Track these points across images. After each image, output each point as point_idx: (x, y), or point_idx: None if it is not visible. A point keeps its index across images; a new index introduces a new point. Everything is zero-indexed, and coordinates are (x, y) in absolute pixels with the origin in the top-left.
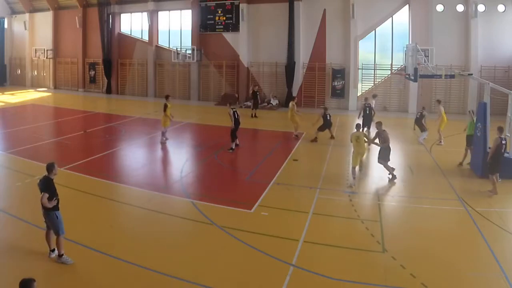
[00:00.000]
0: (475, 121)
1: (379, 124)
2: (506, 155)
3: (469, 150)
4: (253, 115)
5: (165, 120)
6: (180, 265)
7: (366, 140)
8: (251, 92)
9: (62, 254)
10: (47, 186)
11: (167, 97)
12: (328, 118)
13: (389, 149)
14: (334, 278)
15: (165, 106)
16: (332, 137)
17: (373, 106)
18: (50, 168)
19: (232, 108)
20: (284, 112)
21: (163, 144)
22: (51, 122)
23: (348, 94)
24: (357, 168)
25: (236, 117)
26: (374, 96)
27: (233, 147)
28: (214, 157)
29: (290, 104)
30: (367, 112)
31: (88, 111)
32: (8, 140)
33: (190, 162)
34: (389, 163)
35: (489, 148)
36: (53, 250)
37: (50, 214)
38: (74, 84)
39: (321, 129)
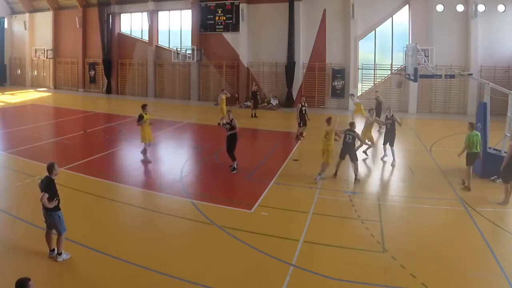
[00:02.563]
0: (478, 135)
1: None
2: (505, 154)
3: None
4: (253, 115)
5: (143, 134)
6: (180, 265)
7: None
8: (252, 91)
9: (61, 253)
10: (47, 186)
11: (143, 106)
12: (304, 112)
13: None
14: (334, 278)
15: (140, 117)
16: (301, 135)
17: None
18: (50, 168)
19: (229, 111)
20: (284, 112)
21: (146, 162)
22: (51, 122)
23: (348, 94)
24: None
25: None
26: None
27: (235, 166)
28: (214, 157)
29: (220, 95)
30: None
31: (88, 111)
32: (8, 140)
33: (190, 162)
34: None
35: (489, 148)
36: (52, 250)
37: (52, 215)
38: (74, 84)
39: (303, 124)
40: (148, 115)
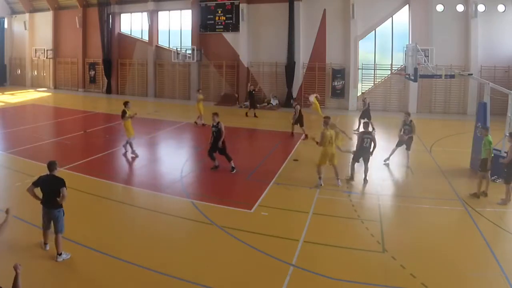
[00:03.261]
0: (489, 140)
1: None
2: (505, 154)
3: (484, 177)
4: (251, 114)
5: (128, 129)
6: (180, 265)
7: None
8: (247, 91)
9: (61, 253)
10: (62, 182)
11: (125, 103)
12: (295, 113)
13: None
14: (334, 278)
15: (123, 113)
16: (306, 136)
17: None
18: (54, 166)
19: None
20: (284, 112)
21: (133, 158)
22: (51, 122)
23: (348, 94)
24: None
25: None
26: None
27: (233, 165)
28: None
29: (197, 95)
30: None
31: (88, 111)
32: (8, 140)
33: (190, 162)
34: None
35: (492, 149)
36: (46, 244)
37: (60, 211)
38: (74, 84)
39: (295, 122)
40: (130, 111)
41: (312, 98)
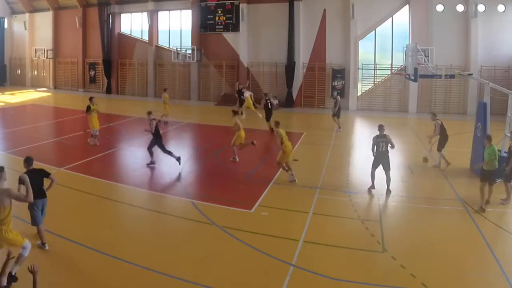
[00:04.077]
0: (494, 149)
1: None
2: (504, 154)
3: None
4: (240, 113)
5: (91, 122)
6: (180, 265)
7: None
8: (236, 90)
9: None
10: (45, 171)
11: (90, 99)
12: (270, 106)
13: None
14: (334, 278)
15: (88, 108)
16: (271, 130)
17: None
18: (32, 160)
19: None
20: (284, 112)
21: (94, 145)
22: (51, 122)
23: (348, 94)
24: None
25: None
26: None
27: (152, 161)
28: (214, 157)
29: (163, 94)
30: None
31: None
32: (8, 140)
33: (190, 162)
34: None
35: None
36: (45, 243)
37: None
38: (74, 84)
39: (267, 118)
40: (95, 106)
41: (247, 94)
